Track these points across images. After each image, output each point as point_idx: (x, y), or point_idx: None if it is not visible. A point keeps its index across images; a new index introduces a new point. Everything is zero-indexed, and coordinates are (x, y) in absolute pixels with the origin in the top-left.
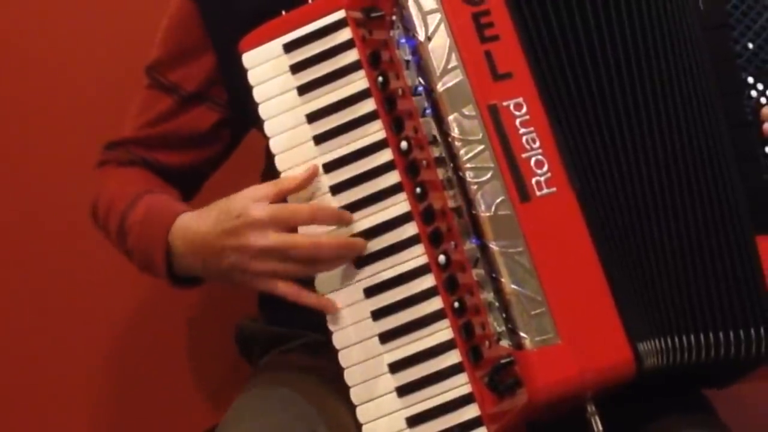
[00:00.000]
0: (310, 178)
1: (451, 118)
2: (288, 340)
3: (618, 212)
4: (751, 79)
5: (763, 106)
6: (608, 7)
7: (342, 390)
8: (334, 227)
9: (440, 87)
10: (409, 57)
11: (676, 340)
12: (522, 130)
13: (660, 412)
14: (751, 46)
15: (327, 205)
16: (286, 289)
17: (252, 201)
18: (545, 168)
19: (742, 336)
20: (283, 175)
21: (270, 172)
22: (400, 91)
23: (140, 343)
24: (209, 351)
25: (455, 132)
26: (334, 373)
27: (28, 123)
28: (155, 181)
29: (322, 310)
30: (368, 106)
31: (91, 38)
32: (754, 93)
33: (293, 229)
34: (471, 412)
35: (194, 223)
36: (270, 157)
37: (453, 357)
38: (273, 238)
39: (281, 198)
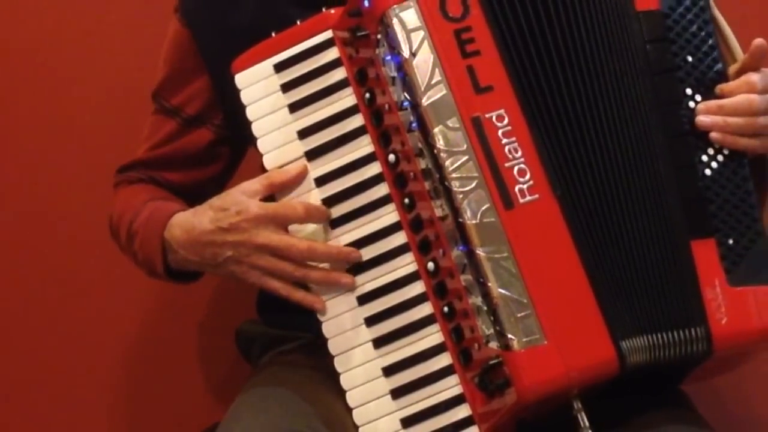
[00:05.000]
0: (300, 174)
1: (436, 130)
2: (286, 341)
3: (596, 215)
4: (689, 91)
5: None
6: (572, 23)
7: (338, 387)
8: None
9: (425, 101)
10: (394, 74)
11: (656, 337)
12: (504, 141)
13: (641, 407)
14: (690, 59)
15: (319, 204)
16: (276, 284)
17: (247, 197)
18: (527, 176)
19: (684, 335)
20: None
21: None
22: (386, 107)
23: (146, 346)
24: (212, 352)
25: (440, 144)
26: (330, 371)
27: (53, 127)
28: (161, 192)
29: (310, 307)
30: (357, 121)
31: (96, 50)
32: (692, 104)
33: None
34: (462, 411)
35: (190, 219)
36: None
37: (444, 360)
38: (271, 237)
39: (272, 192)
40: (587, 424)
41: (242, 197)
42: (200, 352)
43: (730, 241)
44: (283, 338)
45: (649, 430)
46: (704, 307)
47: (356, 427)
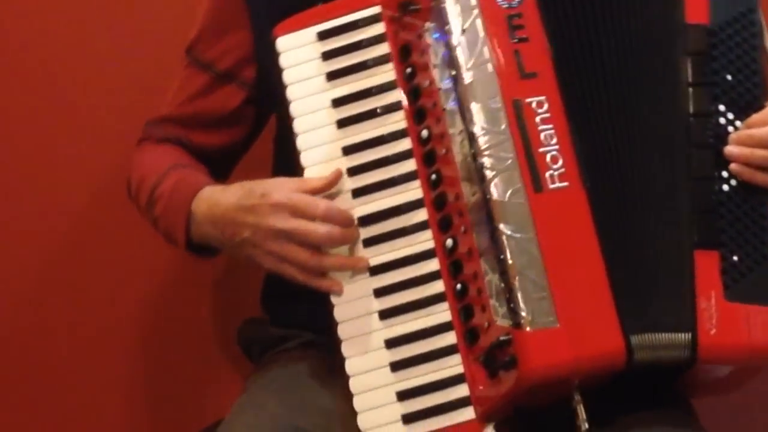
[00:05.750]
0: (335, 180)
1: (476, 107)
2: (287, 339)
3: (618, 211)
4: (722, 107)
5: (728, 133)
6: (620, 24)
7: (338, 385)
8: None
9: (469, 78)
10: (441, 50)
11: (664, 336)
12: (541, 127)
13: (635, 407)
14: (729, 78)
15: (341, 207)
16: (292, 270)
17: (278, 186)
18: (559, 163)
19: (671, 338)
20: (303, 155)
21: (280, 167)
22: (427, 83)
23: (148, 344)
24: (214, 350)
25: (479, 120)
26: (330, 369)
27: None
28: (188, 158)
29: (328, 291)
30: (393, 96)
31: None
32: (722, 120)
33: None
34: (461, 391)
35: (218, 194)
36: (280, 152)
37: (449, 338)
38: (289, 222)
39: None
40: (585, 416)
41: (272, 184)
42: (202, 350)
43: (735, 258)
44: (285, 337)
45: (638, 429)
46: (695, 315)
47: (356, 426)
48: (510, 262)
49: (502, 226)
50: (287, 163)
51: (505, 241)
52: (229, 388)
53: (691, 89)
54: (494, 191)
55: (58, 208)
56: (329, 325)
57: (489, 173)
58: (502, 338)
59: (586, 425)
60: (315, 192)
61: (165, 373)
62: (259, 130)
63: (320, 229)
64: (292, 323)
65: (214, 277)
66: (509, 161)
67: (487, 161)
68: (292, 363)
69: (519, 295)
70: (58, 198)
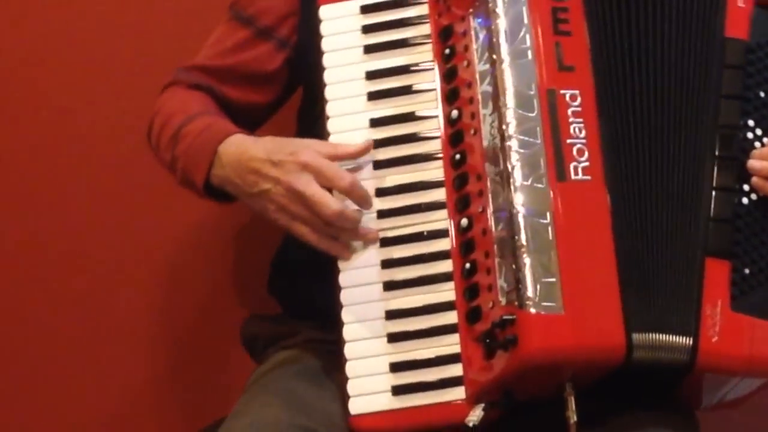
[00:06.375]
0: (365, 150)
1: (511, 91)
2: (289, 336)
3: (637, 210)
4: (751, 122)
5: (755, 148)
6: (660, 31)
7: (339, 383)
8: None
9: (508, 62)
10: (482, 34)
11: (665, 337)
12: (572, 119)
13: (630, 407)
14: (762, 95)
15: (363, 183)
16: (303, 230)
17: (308, 148)
18: (585, 157)
19: (672, 340)
20: (330, 121)
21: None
22: (465, 64)
23: (150, 342)
24: (216, 348)
25: (511, 104)
26: (331, 367)
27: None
28: (216, 109)
29: (336, 255)
30: (427, 76)
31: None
32: (750, 135)
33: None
34: (455, 371)
35: (249, 142)
36: (303, 124)
37: (450, 317)
38: (310, 186)
39: (333, 160)
40: (574, 408)
41: (303, 144)
42: (203, 349)
43: (746, 271)
44: (285, 334)
45: (633, 430)
46: (699, 321)
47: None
48: (523, 243)
49: (519, 208)
50: (309, 136)
51: (521, 222)
52: (231, 386)
53: (723, 101)
54: (517, 174)
55: (60, 206)
56: (334, 304)
57: (514, 156)
58: (506, 317)
59: (575, 417)
60: (343, 158)
61: (166, 371)
62: (285, 99)
63: (333, 205)
64: (299, 306)
65: (216, 275)
66: (536, 147)
67: (514, 144)
68: (295, 361)
69: (528, 277)
70: (60, 196)
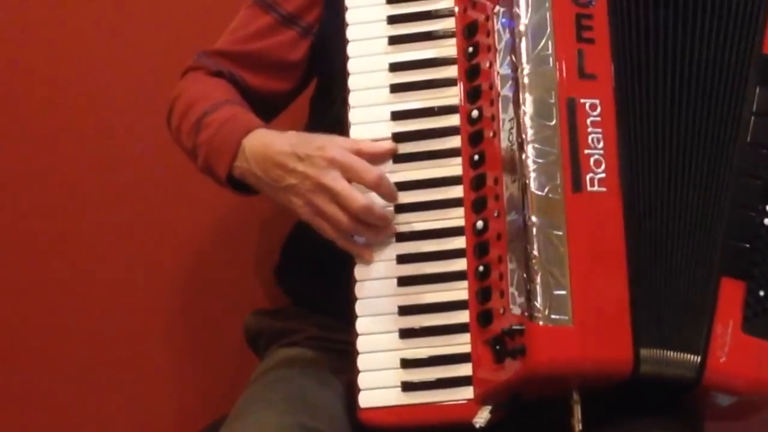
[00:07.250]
0: (389, 153)
1: (530, 97)
2: (291, 333)
3: (652, 225)
4: None
5: None
6: (690, 44)
7: (341, 382)
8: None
9: (529, 68)
10: (506, 36)
11: (673, 353)
12: (591, 129)
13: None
14: None
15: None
16: (326, 225)
17: (334, 143)
18: (602, 168)
19: (680, 357)
20: (352, 111)
21: (313, 129)
22: (487, 64)
23: (151, 340)
24: (219, 345)
25: (530, 111)
26: (333, 366)
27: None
28: (239, 98)
29: (357, 255)
30: (450, 72)
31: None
32: None
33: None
34: (465, 370)
35: (274, 136)
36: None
37: (463, 316)
38: (337, 182)
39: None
40: (580, 417)
41: (329, 139)
42: (205, 346)
43: (761, 293)
44: (288, 331)
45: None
46: (709, 340)
47: (357, 425)
48: (536, 254)
49: (534, 218)
50: (321, 126)
51: (535, 233)
52: (233, 384)
53: (753, 118)
54: (533, 183)
55: (61, 206)
56: (346, 295)
57: (531, 164)
58: (514, 327)
59: (580, 426)
60: (366, 157)
61: (167, 370)
62: (303, 87)
63: (362, 200)
64: (307, 295)
65: (219, 272)
66: (553, 156)
67: (531, 152)
68: (298, 359)
69: (538, 288)
70: (60, 196)
